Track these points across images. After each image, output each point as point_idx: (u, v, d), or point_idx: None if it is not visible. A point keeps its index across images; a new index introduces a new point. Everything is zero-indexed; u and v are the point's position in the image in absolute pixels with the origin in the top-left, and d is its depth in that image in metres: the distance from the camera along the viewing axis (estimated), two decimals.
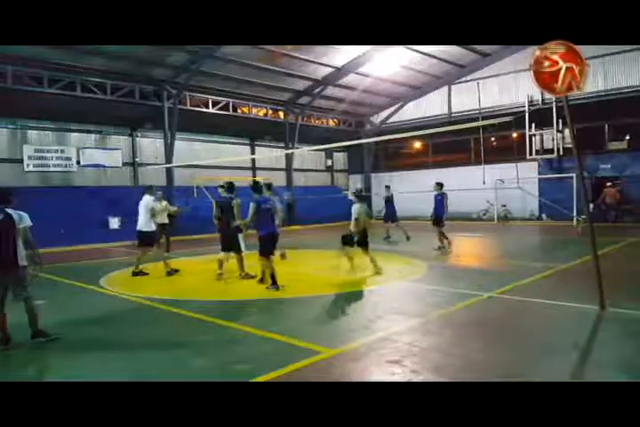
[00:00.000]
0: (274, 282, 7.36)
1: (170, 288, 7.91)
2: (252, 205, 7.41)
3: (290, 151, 21.50)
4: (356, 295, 7.19)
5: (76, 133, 17.87)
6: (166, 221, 13.05)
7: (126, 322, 6.03)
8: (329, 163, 27.62)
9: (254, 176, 23.48)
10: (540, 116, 20.58)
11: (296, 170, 24.13)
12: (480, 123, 14.35)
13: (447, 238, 11.69)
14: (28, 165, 16.38)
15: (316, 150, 25.56)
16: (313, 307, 6.54)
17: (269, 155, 24.02)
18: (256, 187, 7.76)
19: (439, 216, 11.65)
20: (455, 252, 11.52)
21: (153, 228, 9.41)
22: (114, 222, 16.85)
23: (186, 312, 6.22)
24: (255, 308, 6.62)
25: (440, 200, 11.74)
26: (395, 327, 5.30)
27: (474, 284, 7.55)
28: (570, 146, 18.63)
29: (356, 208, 8.50)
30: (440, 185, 11.92)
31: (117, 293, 7.69)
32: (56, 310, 6.69)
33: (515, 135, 21.81)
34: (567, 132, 19.03)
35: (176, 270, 9.36)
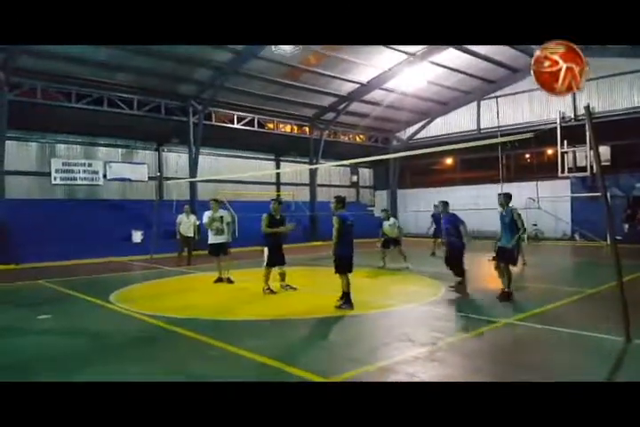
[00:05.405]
0: None
1: (178, 305, 7.74)
2: None
3: (314, 166, 21.38)
4: (366, 319, 6.85)
5: (103, 148, 18.25)
6: (191, 234, 13.11)
7: (124, 341, 5.87)
8: (354, 179, 27.42)
9: (278, 191, 23.46)
10: (573, 133, 19.91)
11: (320, 185, 23.96)
12: (503, 139, 13.83)
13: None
14: (55, 178, 16.75)
15: (338, 166, 25.43)
16: (318, 330, 6.25)
17: (293, 170, 24.00)
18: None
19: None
20: (478, 274, 11.03)
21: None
22: (137, 236, 16.96)
23: (185, 332, 6.03)
24: (257, 329, 6.37)
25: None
26: (399, 356, 4.95)
27: (492, 309, 7.14)
28: (606, 164, 17.89)
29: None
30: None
31: (122, 309, 7.56)
32: (55, 324, 6.64)
33: (548, 152, 21.12)
34: (600, 149, 18.32)
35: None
